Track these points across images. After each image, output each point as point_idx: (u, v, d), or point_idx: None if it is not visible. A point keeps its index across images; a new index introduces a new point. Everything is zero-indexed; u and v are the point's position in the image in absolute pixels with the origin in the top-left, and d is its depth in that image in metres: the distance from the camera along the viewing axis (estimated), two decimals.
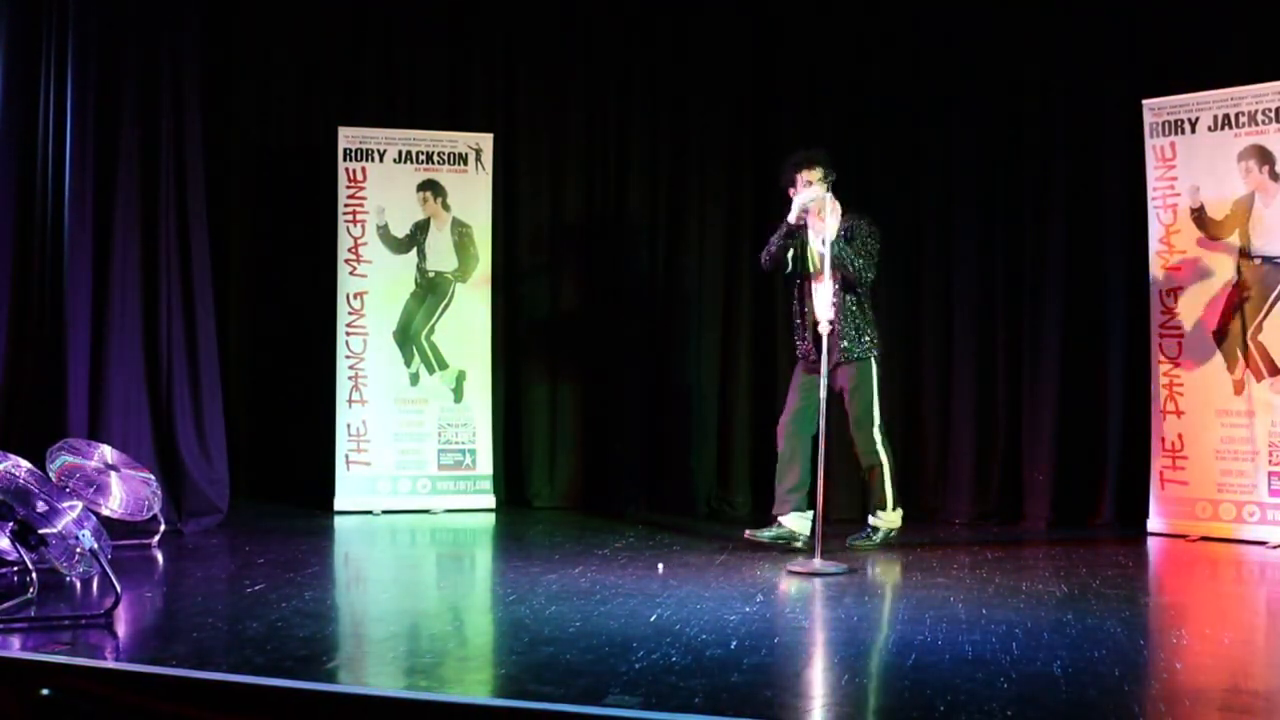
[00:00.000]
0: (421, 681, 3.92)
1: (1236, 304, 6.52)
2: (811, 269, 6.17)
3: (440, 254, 7.40)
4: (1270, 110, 6.41)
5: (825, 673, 4.12)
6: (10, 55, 6.41)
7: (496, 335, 7.60)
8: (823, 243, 5.92)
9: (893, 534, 6.24)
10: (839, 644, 4.41)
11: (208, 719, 3.66)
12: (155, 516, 6.09)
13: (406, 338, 7.37)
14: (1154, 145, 6.76)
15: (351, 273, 7.32)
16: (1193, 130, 6.65)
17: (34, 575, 4.82)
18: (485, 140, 7.51)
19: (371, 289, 7.31)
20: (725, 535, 6.67)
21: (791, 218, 6.08)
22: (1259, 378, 6.45)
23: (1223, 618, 5.00)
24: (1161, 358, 6.75)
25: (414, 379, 7.37)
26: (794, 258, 6.22)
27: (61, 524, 4.86)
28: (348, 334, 7.30)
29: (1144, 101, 6.78)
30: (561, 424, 7.78)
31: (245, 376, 7.70)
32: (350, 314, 7.30)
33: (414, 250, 7.39)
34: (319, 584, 5.30)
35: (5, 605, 4.62)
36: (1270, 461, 6.38)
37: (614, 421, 7.71)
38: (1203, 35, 6.88)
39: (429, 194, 7.42)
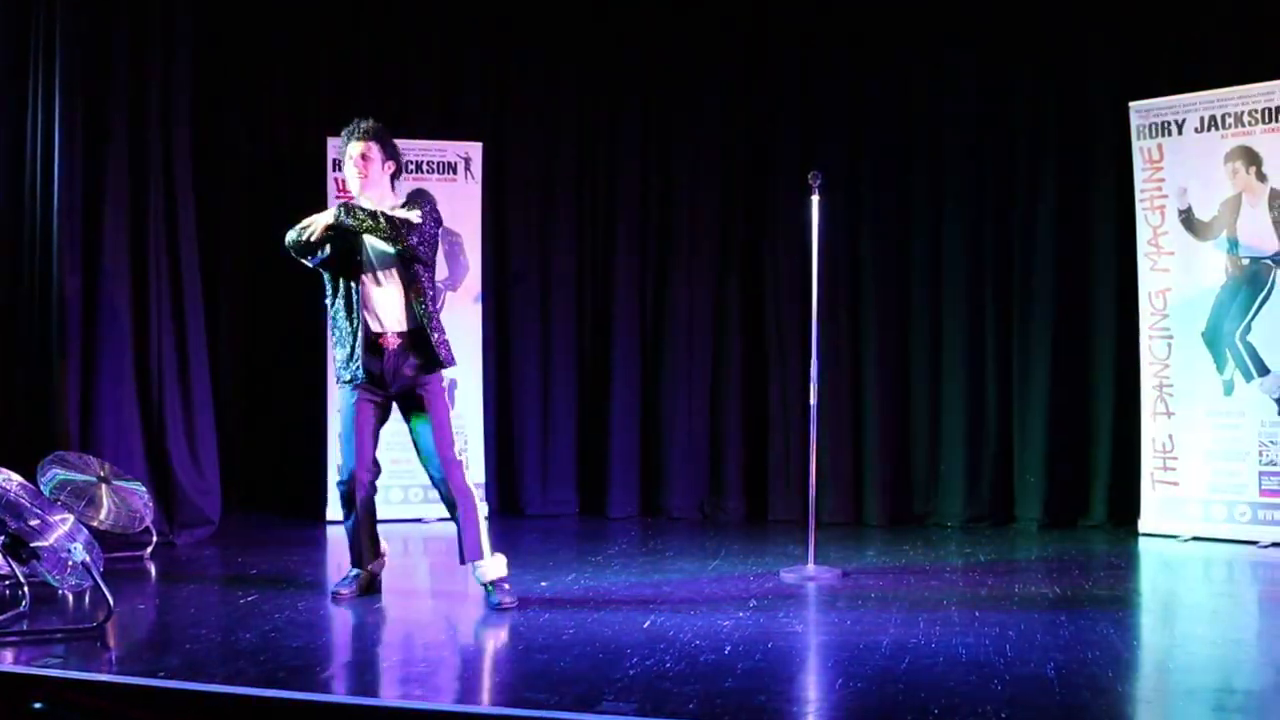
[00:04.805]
0: (415, 690, 3.92)
1: (1225, 304, 6.55)
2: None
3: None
4: (1257, 111, 6.44)
5: (819, 677, 4.12)
6: None
7: (487, 343, 7.60)
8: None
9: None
10: (833, 648, 4.41)
11: None
12: (147, 528, 6.07)
13: None
14: (1141, 147, 6.78)
15: None
16: (1180, 132, 6.68)
17: (26, 588, 4.81)
18: (474, 149, 7.51)
19: None
20: (718, 541, 6.68)
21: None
22: (1248, 378, 6.47)
23: (1214, 618, 5.02)
24: (1151, 359, 6.77)
25: None
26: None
27: (53, 537, 4.85)
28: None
29: (1131, 103, 6.81)
30: (553, 432, 7.78)
31: (236, 387, 7.69)
32: None
33: None
34: (311, 594, 5.29)
35: None
36: (1260, 461, 6.40)
37: (606, 428, 7.71)
38: (1189, 37, 6.91)
39: None
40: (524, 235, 7.81)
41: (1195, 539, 6.51)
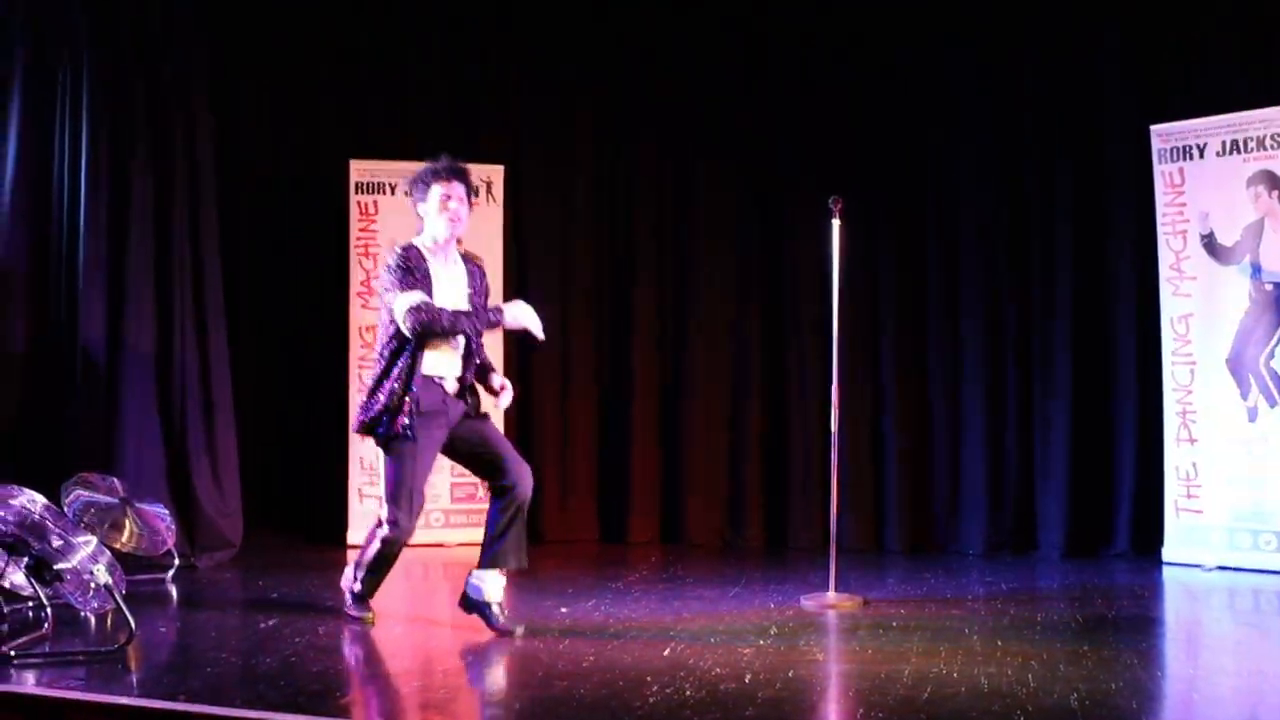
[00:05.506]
0: (435, 716, 3.91)
1: (1249, 330, 6.51)
2: None
3: None
4: (1279, 135, 6.42)
5: (840, 707, 4.10)
6: (25, 97, 6.48)
7: (509, 368, 7.61)
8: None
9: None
10: (854, 677, 4.39)
11: None
12: (169, 551, 6.10)
13: None
14: (1163, 171, 6.76)
15: (363, 306, 7.34)
16: (1201, 156, 6.66)
17: (49, 610, 4.83)
18: (496, 173, 7.54)
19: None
20: (738, 568, 6.66)
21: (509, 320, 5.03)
22: (1272, 404, 6.43)
23: (1239, 649, 4.98)
24: (1174, 385, 6.73)
25: None
26: None
27: (76, 559, 4.87)
28: (360, 368, 7.30)
29: (1152, 127, 6.79)
30: (573, 457, 7.78)
31: (258, 410, 7.70)
32: (363, 347, 7.30)
33: None
34: (332, 619, 5.29)
35: (20, 640, 4.62)
36: None
37: (625, 454, 7.70)
38: (1210, 61, 6.89)
39: None
40: (543, 257, 7.83)
41: (1220, 568, 6.46)
